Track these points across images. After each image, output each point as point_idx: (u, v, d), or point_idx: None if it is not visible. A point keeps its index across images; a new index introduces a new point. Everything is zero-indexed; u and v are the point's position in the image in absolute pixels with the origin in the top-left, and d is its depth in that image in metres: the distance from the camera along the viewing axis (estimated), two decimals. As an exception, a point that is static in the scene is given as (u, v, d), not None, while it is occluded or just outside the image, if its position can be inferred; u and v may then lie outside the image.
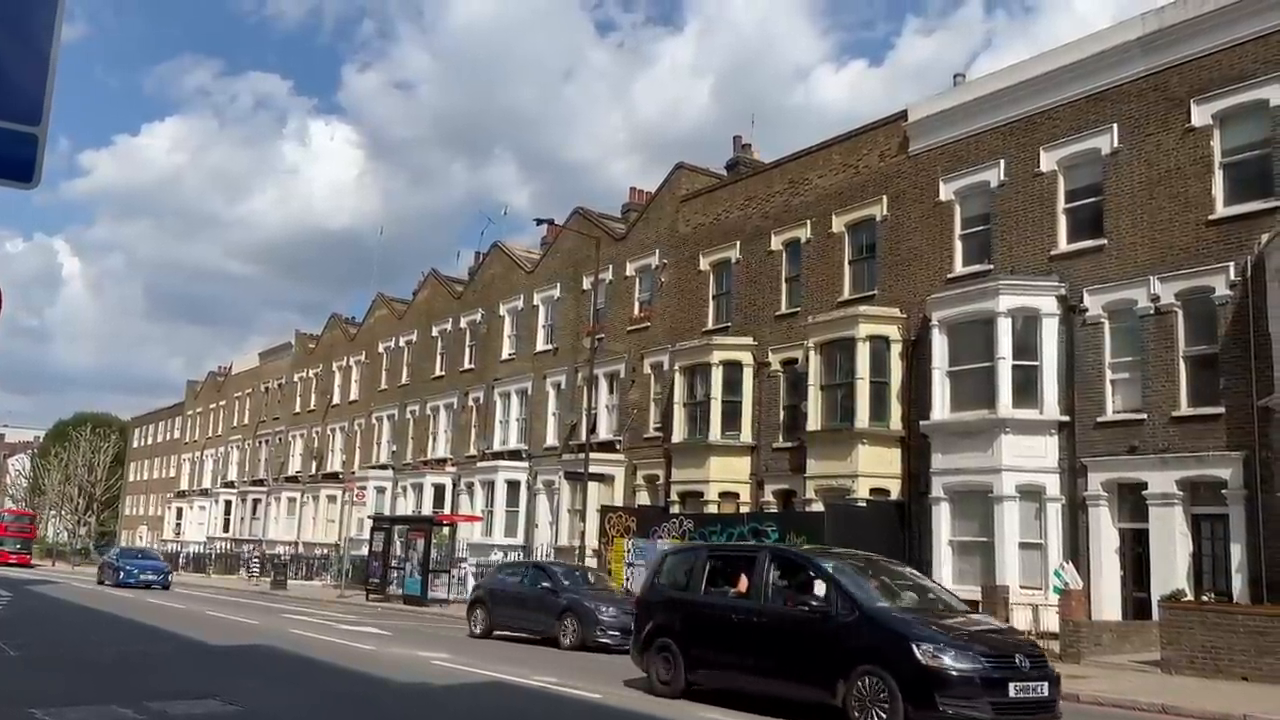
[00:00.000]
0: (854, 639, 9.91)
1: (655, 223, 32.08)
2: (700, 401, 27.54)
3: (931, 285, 22.80)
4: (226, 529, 57.21)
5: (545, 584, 19.98)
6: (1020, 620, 18.38)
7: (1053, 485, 20.05)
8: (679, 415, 28.12)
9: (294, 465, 52.84)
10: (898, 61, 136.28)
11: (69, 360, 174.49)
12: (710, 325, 28.94)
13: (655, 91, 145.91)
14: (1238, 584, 17.26)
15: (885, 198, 24.57)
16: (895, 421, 23.07)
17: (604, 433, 31.98)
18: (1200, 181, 18.77)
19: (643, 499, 29.84)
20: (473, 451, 38.17)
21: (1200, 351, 18.53)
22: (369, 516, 38.24)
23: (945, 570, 20.65)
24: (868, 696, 9.52)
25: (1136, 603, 18.99)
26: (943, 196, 23.26)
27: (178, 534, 63.20)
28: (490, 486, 35.81)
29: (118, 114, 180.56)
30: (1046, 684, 9.64)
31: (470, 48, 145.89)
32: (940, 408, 21.57)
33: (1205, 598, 17.01)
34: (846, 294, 25.11)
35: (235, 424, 61.77)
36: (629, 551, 27.20)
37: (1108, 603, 19.10)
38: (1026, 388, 20.45)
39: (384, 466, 43.57)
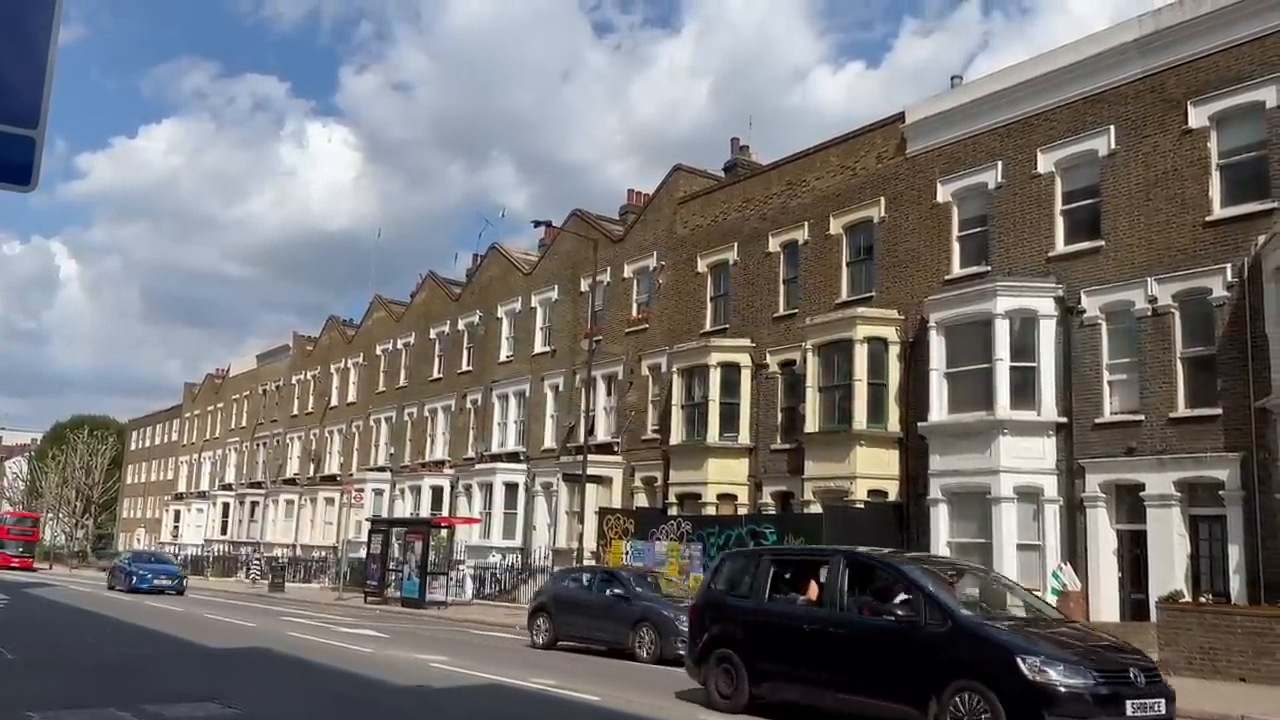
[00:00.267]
0: (947, 651, 9.14)
1: (653, 224, 32.10)
2: (698, 403, 27.54)
3: (929, 287, 22.82)
4: (224, 531, 57.20)
5: (616, 591, 18.43)
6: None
7: (1050, 486, 20.06)
8: (677, 417, 28.13)
9: (292, 467, 52.82)
10: (895, 63, 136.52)
11: (66, 363, 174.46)
12: (708, 327, 28.96)
13: (653, 93, 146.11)
14: (1235, 585, 17.27)
15: (883, 199, 24.59)
16: (893, 423, 23.08)
17: (602, 435, 31.99)
18: (1197, 183, 18.80)
19: (641, 501, 29.84)
20: (470, 453, 38.17)
21: (1197, 353, 18.55)
22: (367, 519, 38.22)
23: (943, 572, 20.62)
24: (965, 714, 8.82)
25: (1135, 604, 19.00)
26: (940, 198, 23.28)
27: (175, 537, 63.15)
28: (488, 488, 35.81)
29: (115, 116, 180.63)
30: (1164, 701, 8.93)
31: (468, 49, 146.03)
32: (938, 409, 21.59)
33: (1203, 599, 17.02)
34: (844, 295, 25.13)
35: (233, 426, 61.74)
36: (627, 553, 27.20)
37: (1106, 604, 19.11)
38: (1024, 389, 20.46)
39: (382, 469, 43.56)
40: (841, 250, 25.59)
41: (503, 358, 38.06)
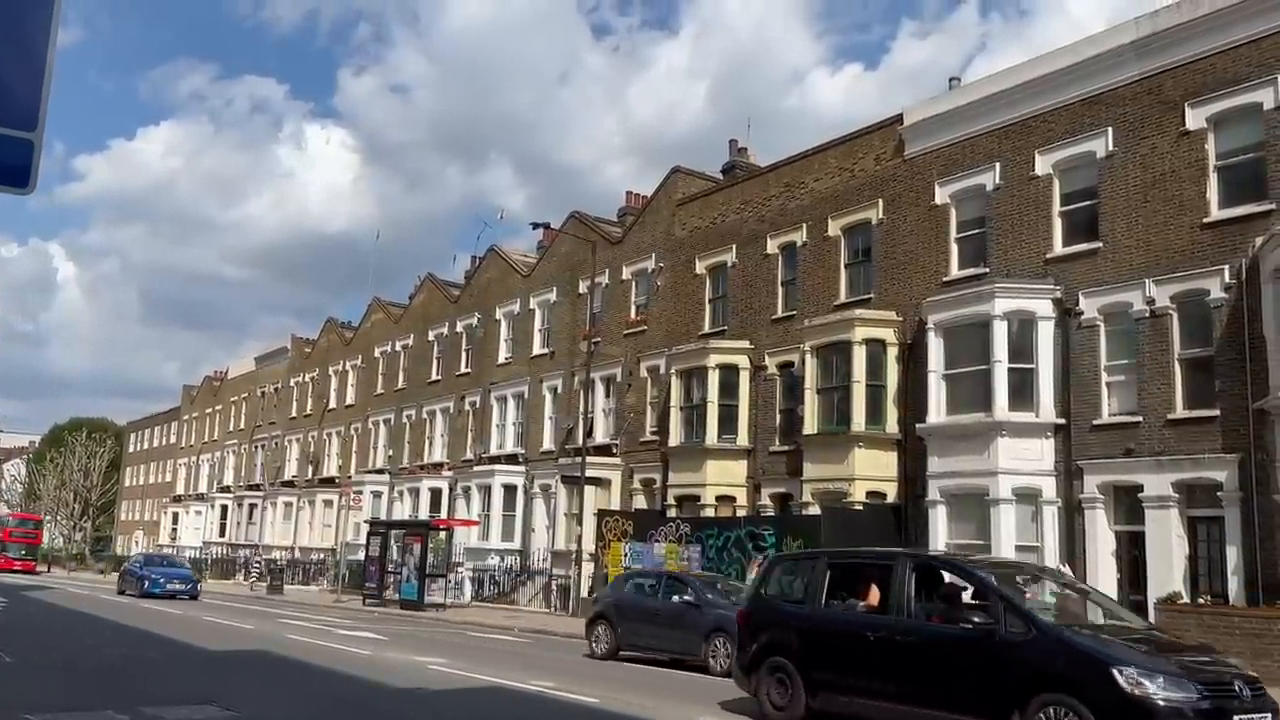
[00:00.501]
0: (1030, 662, 8.54)
1: (651, 226, 32.11)
2: (697, 405, 27.55)
3: (927, 288, 22.84)
4: (222, 534, 57.19)
5: (686, 597, 17.18)
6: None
7: (1049, 488, 20.07)
8: (675, 419, 28.13)
9: (290, 470, 52.79)
10: (893, 65, 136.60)
11: (64, 365, 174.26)
12: (706, 329, 28.97)
13: (651, 95, 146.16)
14: (1234, 586, 17.28)
15: (881, 201, 24.61)
16: (891, 425, 23.09)
17: (600, 436, 31.99)
18: (1195, 185, 18.83)
19: (639, 503, 29.84)
20: (469, 456, 38.16)
21: (1195, 354, 18.57)
22: (365, 521, 38.22)
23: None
24: None
25: (1133, 605, 18.91)
26: (938, 200, 23.31)
27: (173, 539, 63.09)
28: (487, 491, 35.80)
29: (113, 118, 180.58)
30: (1270, 717, 8.43)
31: (466, 51, 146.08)
32: (936, 411, 21.60)
33: (1201, 600, 17.05)
34: (842, 297, 25.14)
35: (231, 429, 61.70)
36: (626, 555, 27.20)
37: (1104, 605, 19.10)
38: (1022, 390, 20.47)
39: (380, 471, 43.54)
40: (840, 252, 25.61)
41: (501, 359, 38.06)
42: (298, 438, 52.84)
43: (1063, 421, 20.12)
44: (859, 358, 23.26)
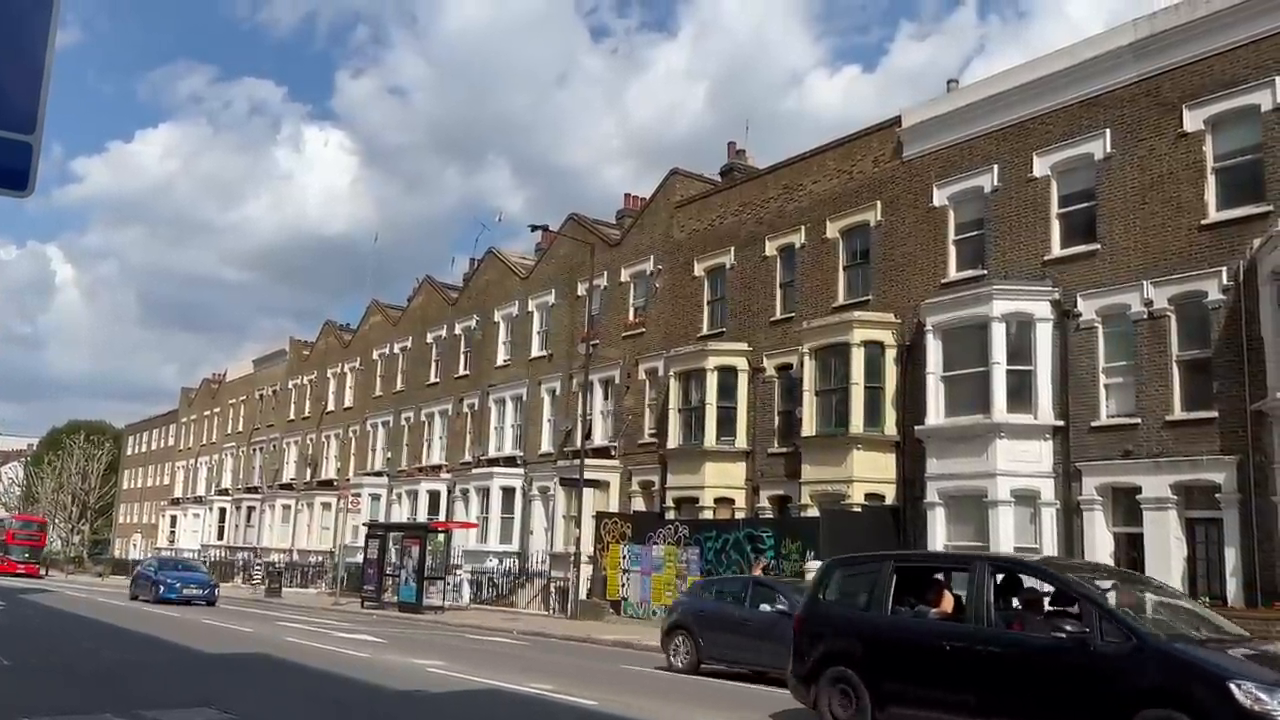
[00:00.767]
0: (1132, 675, 7.85)
1: (650, 229, 32.12)
2: (695, 407, 27.55)
3: (926, 290, 22.85)
4: (221, 537, 57.13)
5: (779, 607, 15.58)
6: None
7: (1047, 490, 20.08)
8: (674, 421, 28.13)
9: (289, 472, 52.75)
10: (891, 67, 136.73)
11: (62, 367, 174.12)
12: (705, 331, 28.97)
13: (649, 97, 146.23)
14: (1232, 588, 17.30)
15: (879, 203, 24.63)
16: (890, 427, 23.10)
17: (599, 439, 31.99)
18: (1193, 186, 18.85)
19: (638, 505, 29.83)
20: (468, 458, 38.14)
21: (1193, 356, 18.59)
22: (364, 524, 38.19)
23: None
24: None
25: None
26: (936, 202, 23.32)
27: (172, 542, 63.04)
28: (485, 493, 35.78)
29: (111, 120, 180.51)
30: None
31: (464, 53, 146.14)
32: (935, 413, 21.61)
33: (1200, 601, 17.02)
34: (841, 299, 25.15)
35: (230, 431, 61.66)
36: (624, 558, 27.22)
37: (1103, 607, 19.08)
38: (1021, 392, 20.49)
39: (379, 473, 43.53)
40: (838, 254, 25.63)
41: (500, 362, 38.06)
42: (296, 440, 52.81)
43: (1061, 423, 20.14)
44: (857, 360, 23.27)
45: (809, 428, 24.14)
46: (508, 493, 35.03)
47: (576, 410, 32.20)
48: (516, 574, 33.63)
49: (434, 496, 39.00)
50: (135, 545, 72.25)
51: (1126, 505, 19.20)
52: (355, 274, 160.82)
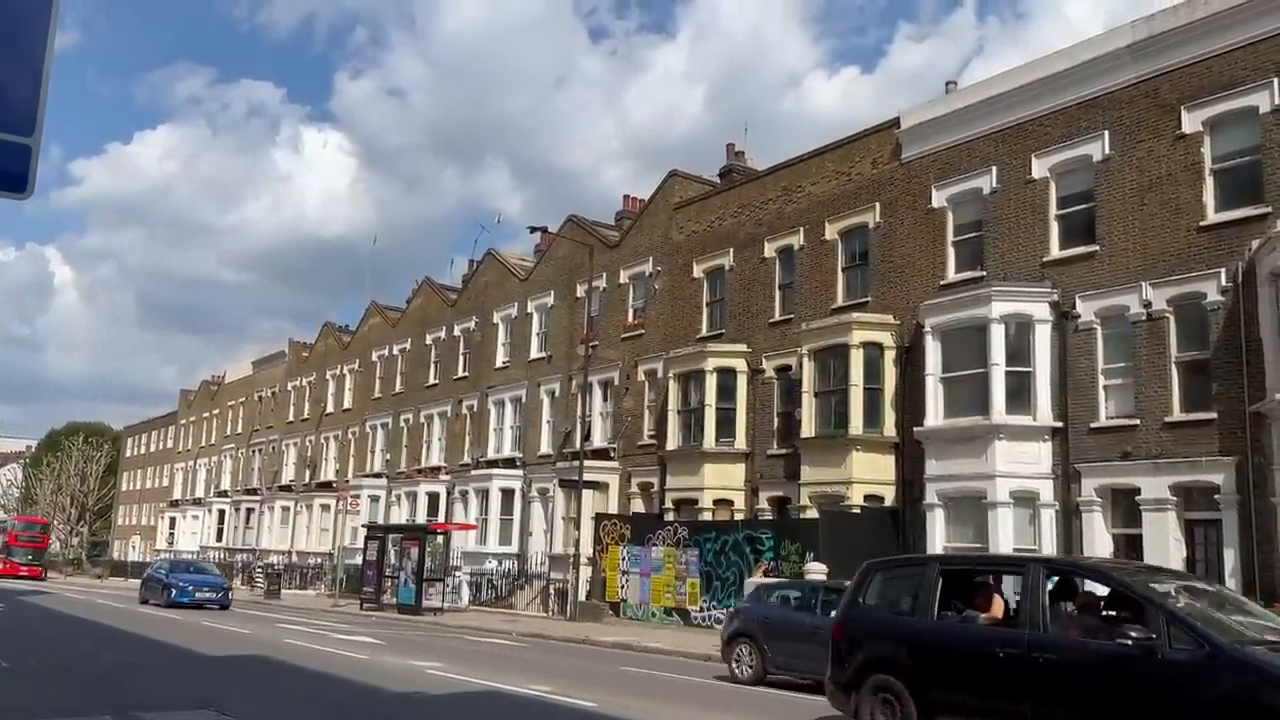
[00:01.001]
0: (1204, 684, 7.32)
1: (649, 230, 32.13)
2: (694, 409, 27.55)
3: (924, 292, 22.86)
4: (220, 538, 57.09)
5: None
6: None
7: (1046, 491, 20.09)
8: (673, 422, 28.14)
9: (288, 474, 52.73)
10: (890, 68, 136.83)
11: (61, 369, 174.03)
12: (704, 332, 28.98)
13: (648, 98, 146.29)
14: (1231, 588, 17.27)
15: (878, 205, 24.64)
16: (889, 428, 23.11)
17: (598, 440, 31.99)
18: (1191, 188, 18.87)
19: (637, 506, 29.83)
20: (467, 459, 38.14)
21: (1192, 357, 18.60)
22: (363, 525, 38.20)
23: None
24: None
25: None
26: (935, 203, 23.34)
27: (171, 544, 63.00)
28: (484, 495, 35.78)
29: (110, 122, 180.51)
30: None
31: (463, 55, 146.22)
32: (934, 414, 21.61)
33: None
34: (840, 301, 25.16)
35: (229, 433, 61.64)
36: (624, 559, 27.22)
37: (1102, 608, 19.09)
38: (1020, 394, 20.50)
39: (378, 475, 43.53)
40: (837, 255, 25.64)
41: (499, 363, 38.07)
42: (295, 442, 52.79)
43: (1060, 424, 20.15)
44: (856, 361, 23.28)
45: (808, 429, 24.14)
46: (507, 494, 35.03)
47: (575, 412, 32.20)
48: (515, 576, 33.62)
49: (433, 498, 38.99)
50: (134, 547, 72.21)
51: (1126, 506, 19.21)
52: (354, 275, 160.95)
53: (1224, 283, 18.07)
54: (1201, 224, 18.60)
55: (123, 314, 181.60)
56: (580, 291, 33.67)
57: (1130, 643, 7.71)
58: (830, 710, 10.58)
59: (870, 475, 22.96)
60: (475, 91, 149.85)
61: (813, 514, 23.10)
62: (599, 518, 28.74)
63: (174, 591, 29.88)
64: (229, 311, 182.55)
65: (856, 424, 23.06)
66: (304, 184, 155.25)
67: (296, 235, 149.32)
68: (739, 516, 26.00)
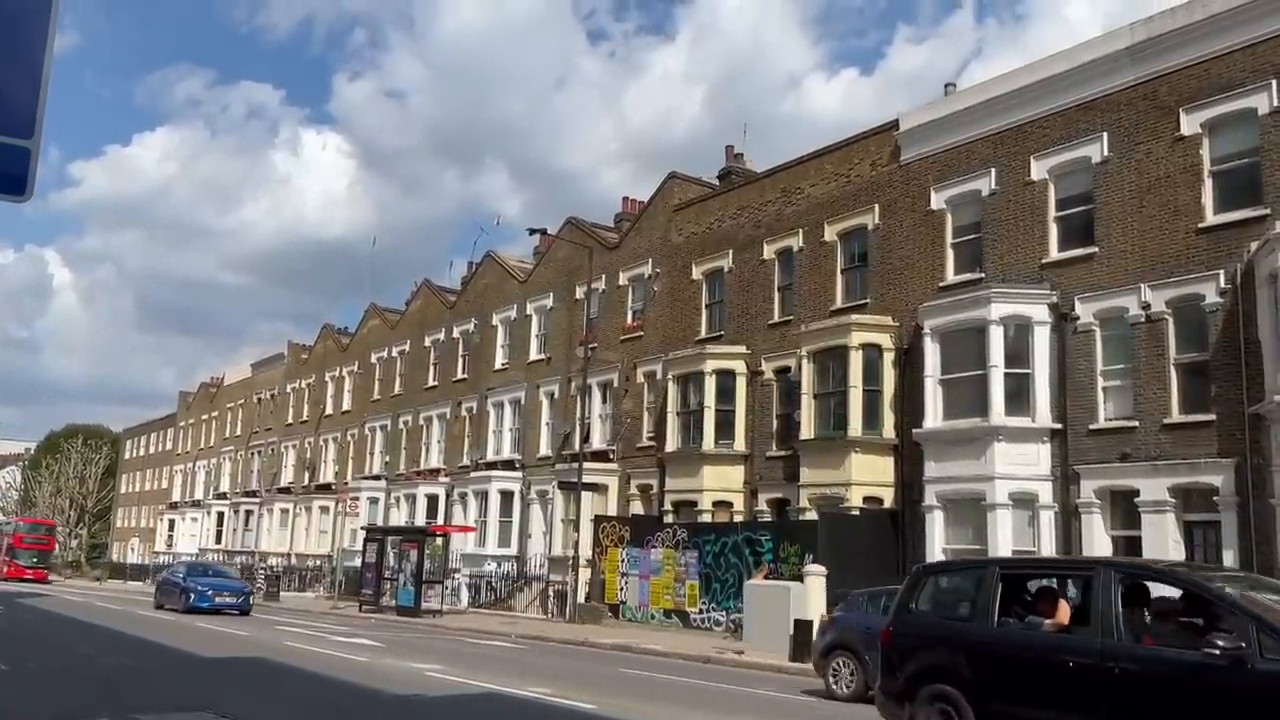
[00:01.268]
0: None
1: (648, 232, 32.14)
2: (694, 410, 27.55)
3: (923, 293, 22.87)
4: (219, 540, 57.05)
5: None
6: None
7: (1045, 493, 20.09)
8: (672, 424, 28.14)
9: (286, 476, 52.72)
10: (889, 70, 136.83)
11: (60, 371, 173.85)
12: (703, 334, 28.99)
13: (647, 100, 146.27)
14: None
15: (877, 206, 24.65)
16: (888, 430, 23.11)
17: (597, 442, 31.98)
18: (1190, 190, 18.88)
19: (636, 508, 29.82)
20: (466, 461, 38.13)
21: (1191, 359, 18.61)
22: (362, 527, 38.17)
23: (939, 578, 20.64)
24: None
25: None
26: (934, 205, 23.35)
27: (170, 546, 62.98)
28: (484, 497, 35.77)
29: (108, 124, 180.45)
30: None
31: (462, 57, 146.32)
32: (933, 416, 21.62)
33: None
34: (839, 302, 25.18)
35: (227, 435, 61.63)
36: (623, 561, 27.21)
37: (1101, 610, 19.08)
38: (1019, 395, 20.50)
39: (377, 477, 43.52)
40: (836, 257, 25.65)
41: (498, 365, 38.07)
42: (294, 444, 52.78)
43: (1059, 426, 20.15)
44: (855, 363, 23.28)
45: (807, 431, 24.15)
46: (506, 496, 35.02)
47: (575, 413, 32.19)
48: (515, 578, 33.61)
49: (432, 500, 38.98)
50: (133, 549, 72.15)
51: (1125, 508, 19.21)
52: (353, 277, 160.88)
53: (1223, 284, 18.09)
54: (1200, 226, 18.62)
55: (122, 316, 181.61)
56: (579, 293, 33.67)
57: (1217, 652, 7.13)
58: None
59: (869, 477, 22.96)
60: (474, 93, 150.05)
61: (812, 516, 23.10)
62: (598, 520, 28.73)
63: (192, 596, 28.30)
64: (228, 313, 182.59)
65: (856, 426, 23.06)
66: (303, 186, 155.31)
67: (295, 237, 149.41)
68: (738, 518, 26.00)
